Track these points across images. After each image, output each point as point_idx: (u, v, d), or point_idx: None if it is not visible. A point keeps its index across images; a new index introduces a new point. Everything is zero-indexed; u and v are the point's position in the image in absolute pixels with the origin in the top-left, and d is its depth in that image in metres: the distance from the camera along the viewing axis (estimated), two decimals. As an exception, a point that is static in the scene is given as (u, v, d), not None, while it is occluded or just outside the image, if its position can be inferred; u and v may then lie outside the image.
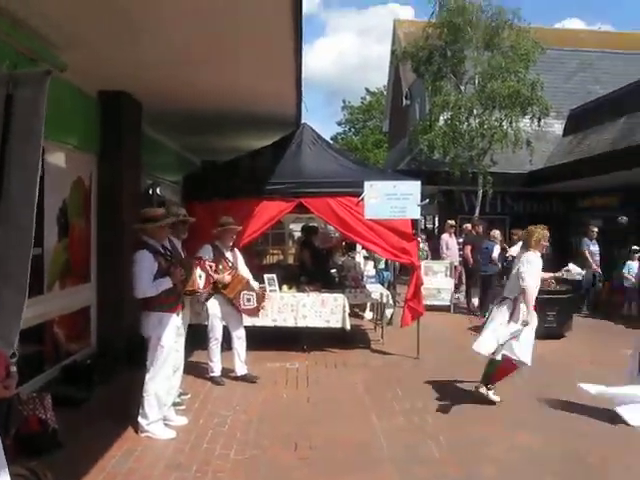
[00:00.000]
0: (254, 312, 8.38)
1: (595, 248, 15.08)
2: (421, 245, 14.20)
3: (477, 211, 19.80)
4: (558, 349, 10.83)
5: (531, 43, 19.13)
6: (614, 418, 6.76)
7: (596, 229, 15.42)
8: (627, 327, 12.42)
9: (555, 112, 21.70)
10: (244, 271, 8.42)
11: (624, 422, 6.65)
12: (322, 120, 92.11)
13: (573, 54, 25.98)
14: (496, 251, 13.88)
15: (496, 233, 14.43)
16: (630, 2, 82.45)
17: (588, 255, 14.84)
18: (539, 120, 19.63)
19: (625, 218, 16.54)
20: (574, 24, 50.70)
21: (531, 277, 7.07)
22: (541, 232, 7.37)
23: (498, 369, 7.36)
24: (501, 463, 5.67)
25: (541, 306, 11.24)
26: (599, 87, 23.98)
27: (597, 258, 15.06)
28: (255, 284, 8.64)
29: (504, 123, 19.30)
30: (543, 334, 11.14)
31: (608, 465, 5.69)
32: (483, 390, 7.45)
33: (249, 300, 8.21)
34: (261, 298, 8.38)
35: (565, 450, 6.02)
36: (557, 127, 23.65)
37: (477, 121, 19.54)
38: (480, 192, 19.89)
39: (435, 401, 7.54)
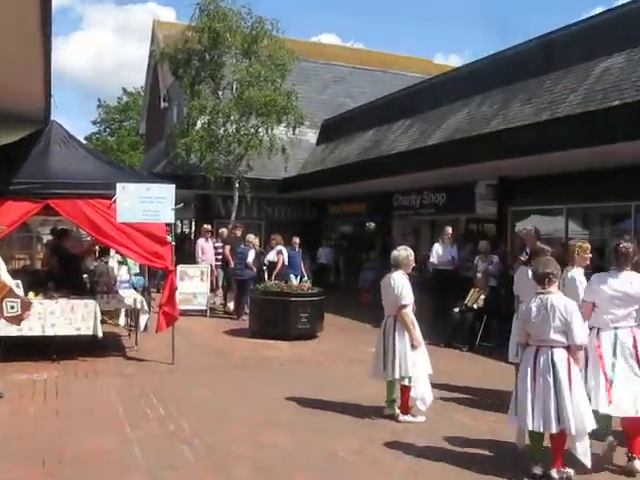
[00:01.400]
0: (16, 320, 7.80)
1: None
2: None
3: (233, 216, 20.05)
4: (312, 349, 11.24)
5: (287, 53, 19.73)
6: (367, 413, 7.15)
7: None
8: (374, 327, 13.14)
9: (309, 122, 22.58)
10: (6, 278, 7.82)
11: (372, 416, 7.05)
12: (75, 118, 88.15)
13: (327, 67, 27.33)
14: (251, 256, 14.13)
15: (250, 237, 14.70)
16: (381, 23, 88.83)
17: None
18: (294, 128, 20.30)
19: (373, 224, 17.64)
20: (330, 39, 53.26)
21: None
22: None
23: None
24: (254, 462, 5.72)
25: (294, 308, 11.81)
26: (350, 100, 25.44)
27: None
28: (19, 291, 8.04)
29: (260, 130, 19.72)
30: (296, 335, 11.66)
31: (359, 458, 5.95)
32: None
33: (12, 307, 7.59)
34: (26, 306, 7.79)
35: (316, 446, 6.22)
36: (311, 136, 24.70)
37: (234, 127, 19.79)
38: (236, 197, 20.14)
39: (190, 406, 7.45)
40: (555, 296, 5.41)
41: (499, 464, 5.78)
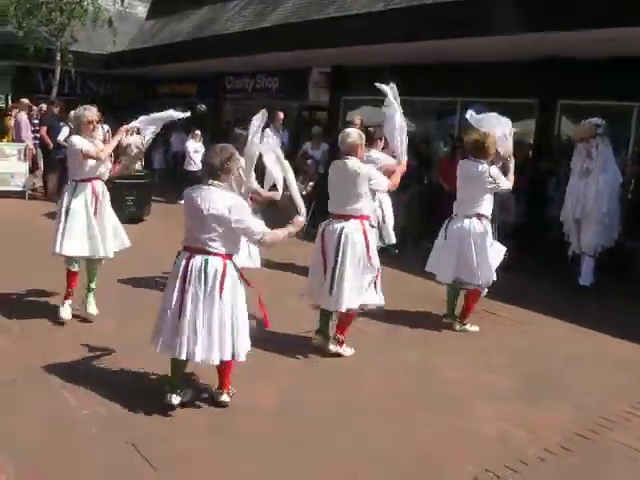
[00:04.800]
0: None
1: None
2: None
3: (55, 91, 18.70)
4: (140, 232, 10.93)
5: None
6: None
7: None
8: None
9: (139, -7, 21.27)
10: None
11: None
12: None
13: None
14: (63, 134, 13.18)
15: (72, 114, 13.80)
16: None
17: None
18: (122, 0, 19.01)
19: (204, 106, 17.12)
20: None
21: None
22: None
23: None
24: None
25: (120, 192, 11.38)
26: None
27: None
28: None
29: (85, -1, 18.25)
30: (125, 219, 11.26)
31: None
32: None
33: None
34: None
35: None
36: (141, 10, 23.32)
37: (56, -7, 18.18)
38: (58, 71, 18.76)
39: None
40: None
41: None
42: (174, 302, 4.52)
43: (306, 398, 5.07)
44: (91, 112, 6.41)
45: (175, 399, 4.65)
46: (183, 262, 4.55)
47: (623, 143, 10.39)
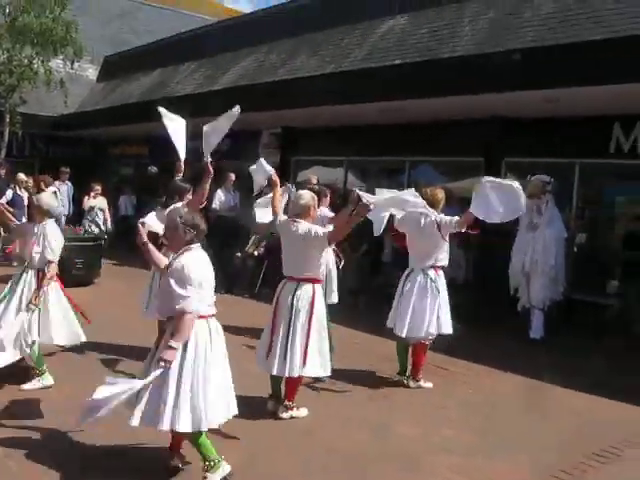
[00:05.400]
0: None
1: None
2: None
3: (3, 153, 18.52)
4: (89, 295, 10.76)
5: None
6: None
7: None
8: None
9: (90, 56, 21.36)
10: None
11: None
12: None
13: (113, 1, 25.83)
14: (6, 197, 12.99)
15: (21, 176, 13.70)
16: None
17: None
18: (73, 62, 19.04)
19: (155, 168, 17.07)
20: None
21: None
22: None
23: None
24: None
25: (69, 254, 11.20)
26: (135, 37, 24.33)
27: None
28: None
29: (35, 61, 18.25)
30: (73, 282, 11.08)
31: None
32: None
33: None
34: None
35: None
36: (91, 72, 23.40)
37: (5, 55, 18.16)
38: (7, 132, 18.61)
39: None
40: None
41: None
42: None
43: (260, 461, 4.98)
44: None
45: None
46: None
47: (567, 198, 10.70)
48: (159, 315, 5.20)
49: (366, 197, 5.61)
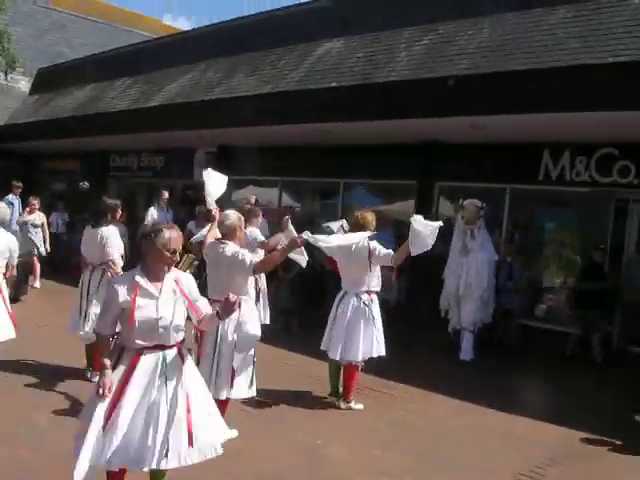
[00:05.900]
0: None
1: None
2: None
3: None
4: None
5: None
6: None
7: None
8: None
9: (23, 68, 20.89)
10: None
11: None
12: None
13: (47, 12, 25.32)
14: None
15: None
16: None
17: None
18: (5, 73, 18.65)
19: (87, 184, 16.74)
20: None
21: None
22: None
23: None
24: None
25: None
26: (70, 51, 23.90)
27: None
28: None
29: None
30: None
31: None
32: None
33: None
34: None
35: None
36: (24, 84, 22.80)
37: None
38: None
39: None
40: None
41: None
42: None
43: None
44: None
45: None
46: None
47: (497, 223, 10.94)
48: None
49: (316, 239, 5.72)
